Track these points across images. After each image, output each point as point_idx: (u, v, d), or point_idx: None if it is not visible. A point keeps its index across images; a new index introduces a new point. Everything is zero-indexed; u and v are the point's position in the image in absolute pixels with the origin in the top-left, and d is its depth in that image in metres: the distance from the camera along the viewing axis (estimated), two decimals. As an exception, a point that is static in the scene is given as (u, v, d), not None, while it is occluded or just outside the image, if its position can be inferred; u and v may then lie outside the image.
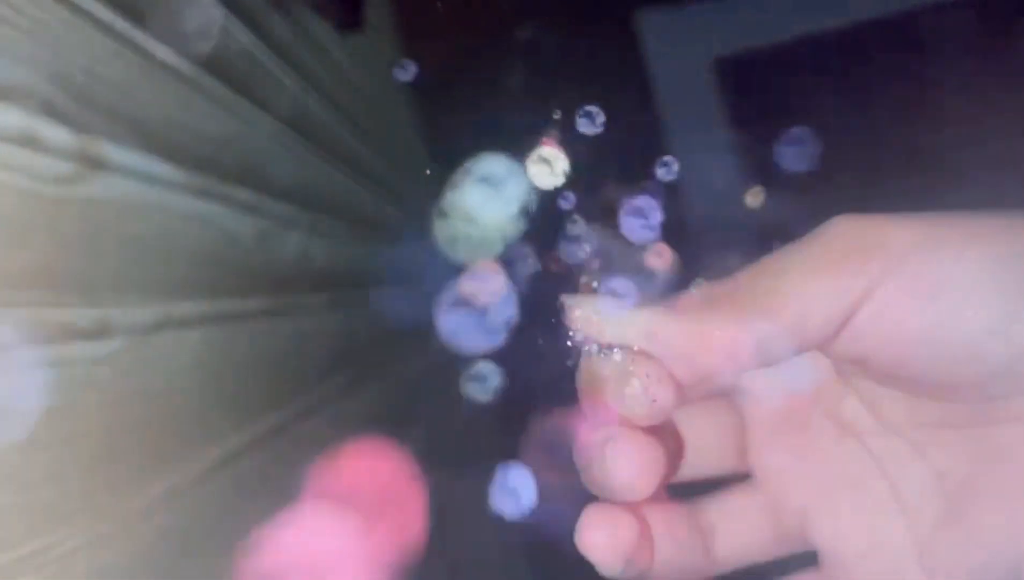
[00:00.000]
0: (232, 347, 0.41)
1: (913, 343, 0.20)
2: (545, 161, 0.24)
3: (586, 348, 0.21)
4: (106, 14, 0.32)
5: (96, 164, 0.30)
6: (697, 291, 0.21)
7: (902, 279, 0.19)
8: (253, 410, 0.42)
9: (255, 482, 0.41)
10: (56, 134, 0.28)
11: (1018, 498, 0.20)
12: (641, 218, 0.24)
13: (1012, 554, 0.20)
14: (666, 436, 0.23)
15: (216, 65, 0.43)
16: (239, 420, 0.41)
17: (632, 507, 0.22)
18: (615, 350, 0.21)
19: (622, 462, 0.21)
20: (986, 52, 0.91)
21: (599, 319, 0.21)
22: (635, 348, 0.21)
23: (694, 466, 0.25)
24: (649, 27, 1.04)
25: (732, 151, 0.99)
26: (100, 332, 0.29)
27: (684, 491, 0.25)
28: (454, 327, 0.24)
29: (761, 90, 1.00)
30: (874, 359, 0.21)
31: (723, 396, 0.25)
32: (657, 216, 0.24)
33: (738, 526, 0.24)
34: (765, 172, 0.94)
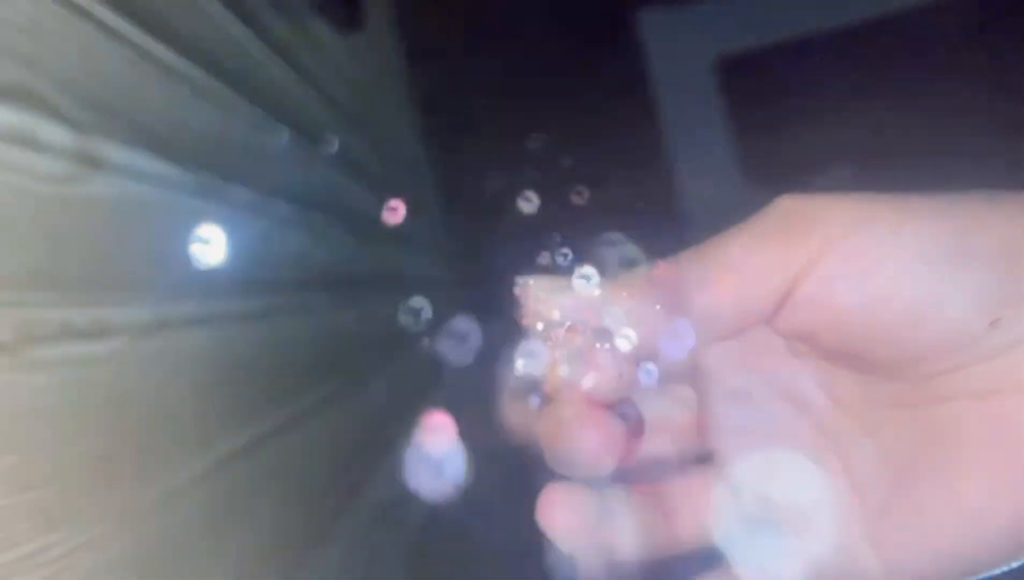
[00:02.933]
0: (231, 347, 0.41)
1: (851, 318, 0.20)
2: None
3: (544, 326, 0.22)
4: (106, 14, 0.32)
5: (95, 164, 0.30)
6: (644, 269, 0.22)
7: (840, 255, 0.20)
8: (253, 410, 0.42)
9: (255, 482, 0.41)
10: (55, 134, 0.28)
11: (956, 476, 0.20)
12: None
13: (953, 531, 0.20)
14: (628, 413, 0.23)
15: (216, 65, 0.43)
16: (239, 420, 0.41)
17: (590, 485, 0.22)
18: (573, 327, 0.21)
19: (586, 439, 0.21)
20: (986, 50, 0.91)
21: (554, 298, 0.22)
22: (598, 325, 0.21)
23: (655, 446, 0.25)
24: (650, 26, 1.04)
25: (733, 150, 0.99)
26: (99, 332, 0.29)
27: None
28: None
29: (763, 89, 1.00)
30: (817, 334, 0.21)
31: (683, 379, 0.25)
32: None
33: (699, 505, 0.25)
34: (765, 170, 0.94)
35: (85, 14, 0.31)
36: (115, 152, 0.32)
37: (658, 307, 0.21)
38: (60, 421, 0.27)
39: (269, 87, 0.52)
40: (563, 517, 0.22)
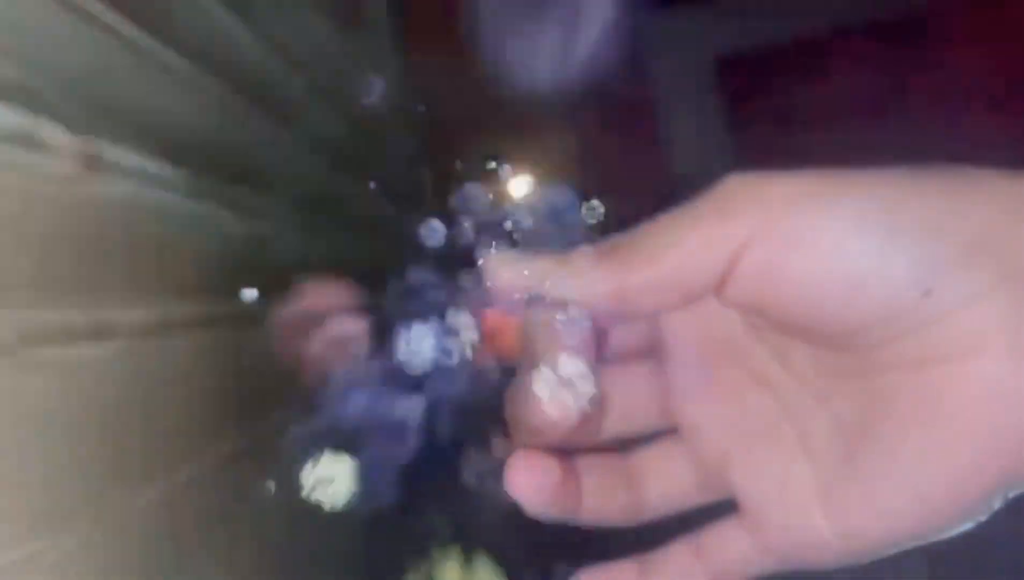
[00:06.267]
0: (232, 347, 0.41)
1: (791, 291, 0.21)
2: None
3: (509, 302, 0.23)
4: (106, 14, 0.32)
5: (95, 164, 0.30)
6: (593, 245, 0.23)
7: (779, 230, 0.20)
8: (254, 411, 0.42)
9: (256, 483, 0.41)
10: (56, 134, 0.28)
11: (896, 445, 0.21)
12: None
13: (896, 498, 0.21)
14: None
15: (216, 65, 0.43)
16: (240, 420, 0.41)
17: (560, 454, 0.24)
18: (534, 301, 0.23)
19: (542, 407, 0.22)
20: (988, 50, 0.91)
21: (508, 272, 0.23)
22: (555, 298, 0.23)
23: (623, 423, 0.26)
24: (650, 26, 1.04)
25: (731, 151, 0.99)
26: (100, 333, 0.29)
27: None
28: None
29: (763, 89, 1.00)
30: (762, 307, 0.22)
31: (646, 355, 0.26)
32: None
33: (665, 474, 0.26)
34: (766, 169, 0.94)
35: (85, 14, 0.31)
36: (115, 152, 0.32)
37: (601, 280, 0.22)
38: (60, 422, 0.27)
39: (269, 87, 0.52)
40: (530, 484, 0.23)
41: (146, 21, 0.35)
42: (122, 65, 0.33)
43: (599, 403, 0.25)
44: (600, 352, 0.24)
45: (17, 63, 0.26)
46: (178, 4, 0.40)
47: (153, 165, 0.35)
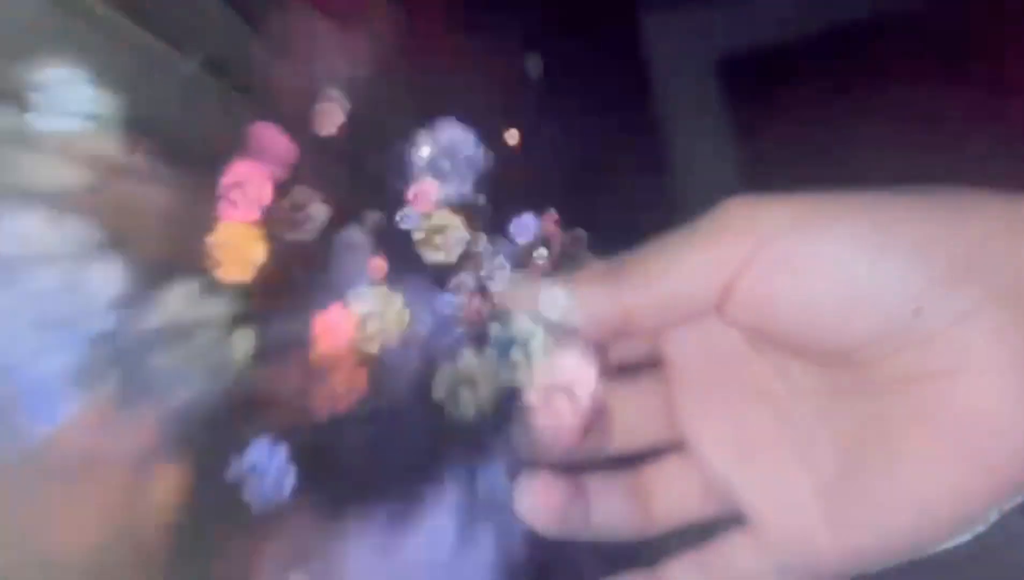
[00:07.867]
0: (231, 349, 0.41)
1: (786, 313, 0.22)
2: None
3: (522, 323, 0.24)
4: (105, 12, 0.32)
5: (96, 163, 0.30)
6: (594, 266, 0.24)
7: (774, 254, 0.21)
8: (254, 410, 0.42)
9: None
10: (55, 133, 0.28)
11: (894, 458, 0.21)
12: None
13: (894, 510, 0.21)
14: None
15: (217, 65, 0.43)
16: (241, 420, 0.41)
17: (567, 471, 0.24)
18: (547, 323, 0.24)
19: (544, 417, 0.23)
20: (988, 51, 0.91)
21: (512, 293, 0.24)
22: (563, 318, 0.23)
23: (628, 438, 0.27)
24: (651, 27, 1.04)
25: (733, 152, 0.99)
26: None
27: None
28: None
29: (765, 90, 1.00)
30: (761, 327, 0.23)
31: (653, 372, 0.27)
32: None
33: (672, 488, 0.26)
34: (766, 173, 0.94)
35: (84, 13, 0.31)
36: (114, 151, 0.32)
37: (599, 302, 0.23)
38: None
39: (271, 87, 0.52)
40: (538, 503, 0.24)
41: (147, 20, 0.35)
42: (123, 65, 0.33)
43: (602, 404, 0.25)
44: (602, 368, 0.24)
45: (17, 63, 0.26)
46: (180, 3, 0.40)
47: (152, 165, 0.35)
